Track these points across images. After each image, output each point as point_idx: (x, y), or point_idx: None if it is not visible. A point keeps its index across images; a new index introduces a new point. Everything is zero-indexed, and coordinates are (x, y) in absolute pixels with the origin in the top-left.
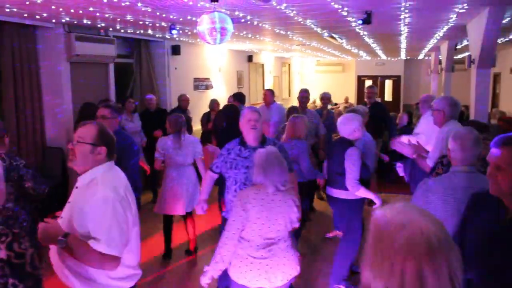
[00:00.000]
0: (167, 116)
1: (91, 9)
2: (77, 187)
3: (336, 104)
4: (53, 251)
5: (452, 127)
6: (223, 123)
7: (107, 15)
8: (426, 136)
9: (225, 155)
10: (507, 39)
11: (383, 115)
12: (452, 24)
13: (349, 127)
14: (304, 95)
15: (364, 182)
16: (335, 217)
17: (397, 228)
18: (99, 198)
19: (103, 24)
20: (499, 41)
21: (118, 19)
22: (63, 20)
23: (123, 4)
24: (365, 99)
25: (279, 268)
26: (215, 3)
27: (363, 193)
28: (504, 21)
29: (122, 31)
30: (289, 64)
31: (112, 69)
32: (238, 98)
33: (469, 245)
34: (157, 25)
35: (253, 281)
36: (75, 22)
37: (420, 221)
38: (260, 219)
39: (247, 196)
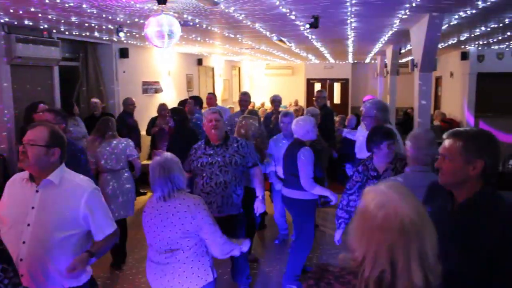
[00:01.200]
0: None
1: (32, 9)
2: (37, 191)
3: (286, 107)
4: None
5: None
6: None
7: (50, 16)
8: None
9: (193, 154)
10: (447, 44)
11: (329, 118)
12: (396, 29)
13: (302, 128)
14: (244, 98)
15: (318, 181)
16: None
17: (377, 207)
18: (91, 191)
19: (46, 26)
20: (439, 46)
21: (62, 21)
22: (2, 21)
23: (66, 5)
24: (314, 103)
25: (174, 277)
26: (163, 5)
27: (319, 191)
28: (443, 27)
29: (67, 33)
30: (239, 68)
31: (57, 72)
32: (198, 101)
33: None
34: (104, 27)
35: (154, 285)
36: (15, 22)
37: (398, 202)
38: (151, 227)
39: (147, 202)
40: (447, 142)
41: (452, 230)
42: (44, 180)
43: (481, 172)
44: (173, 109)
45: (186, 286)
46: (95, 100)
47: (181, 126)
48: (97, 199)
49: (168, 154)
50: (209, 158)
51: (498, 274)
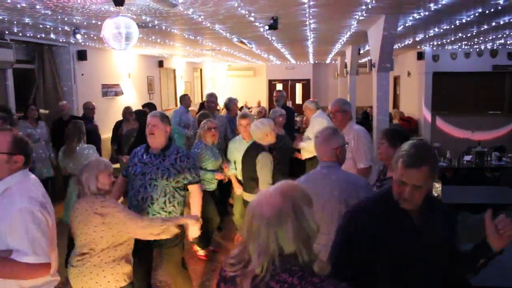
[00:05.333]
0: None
1: None
2: None
3: (249, 108)
4: None
5: (357, 127)
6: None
7: (1, 17)
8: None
9: (131, 158)
10: (403, 44)
11: (290, 118)
12: (354, 30)
13: (261, 131)
14: (211, 99)
15: None
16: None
17: (260, 206)
18: (18, 210)
19: None
20: (396, 46)
21: (15, 22)
22: None
23: (18, 5)
24: (274, 103)
25: (84, 279)
26: (120, 7)
27: None
28: (399, 28)
29: (21, 34)
30: (200, 69)
31: (11, 75)
32: (152, 106)
33: (383, 263)
34: (60, 29)
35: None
36: None
37: (273, 198)
38: (74, 225)
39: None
40: (419, 172)
41: (420, 239)
42: None
43: None
44: (138, 111)
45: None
46: (62, 102)
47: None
48: (22, 219)
49: (93, 157)
50: (143, 167)
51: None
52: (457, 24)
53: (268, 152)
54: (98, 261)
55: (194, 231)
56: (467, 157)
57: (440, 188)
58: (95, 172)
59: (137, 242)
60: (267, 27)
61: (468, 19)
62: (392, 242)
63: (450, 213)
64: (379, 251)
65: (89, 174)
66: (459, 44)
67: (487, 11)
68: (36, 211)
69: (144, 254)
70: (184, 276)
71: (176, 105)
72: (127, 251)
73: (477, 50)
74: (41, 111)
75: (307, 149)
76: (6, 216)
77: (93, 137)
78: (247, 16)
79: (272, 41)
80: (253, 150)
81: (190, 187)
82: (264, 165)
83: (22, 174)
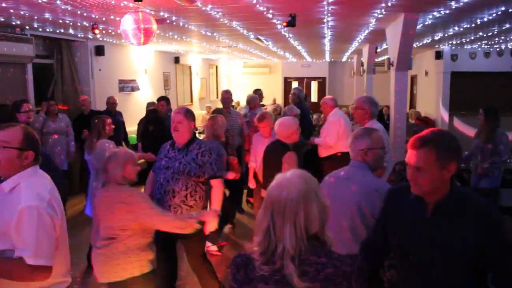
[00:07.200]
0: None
1: (3, 5)
2: None
3: (263, 105)
4: None
5: (378, 126)
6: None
7: (22, 12)
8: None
9: (159, 154)
10: (422, 43)
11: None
12: (372, 29)
13: (287, 130)
14: (226, 96)
15: None
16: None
17: (285, 188)
18: (24, 208)
19: (18, 22)
20: (415, 45)
21: (35, 17)
22: None
23: (40, 1)
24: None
25: (110, 264)
26: (139, 2)
27: None
28: (418, 27)
29: (41, 29)
30: (216, 66)
31: (30, 70)
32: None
33: (392, 240)
34: (79, 24)
35: (96, 270)
36: None
37: (296, 180)
38: (97, 214)
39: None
40: (419, 153)
41: (431, 236)
42: None
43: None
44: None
45: (104, 276)
46: (82, 97)
47: (159, 125)
48: (27, 217)
49: (118, 148)
50: (168, 162)
51: (499, 272)
52: (478, 22)
53: (294, 152)
54: (124, 248)
55: (212, 225)
56: None
57: None
58: (122, 162)
59: (159, 233)
60: (284, 24)
61: (490, 17)
62: (398, 229)
63: (484, 217)
64: (389, 233)
65: (116, 164)
66: (479, 43)
67: (510, 10)
68: (42, 211)
69: (168, 246)
70: (208, 268)
71: (192, 102)
72: (151, 238)
73: (497, 49)
74: None
75: (325, 147)
76: (13, 215)
77: (117, 131)
78: (265, 13)
79: (289, 38)
80: (278, 149)
81: (212, 181)
82: (291, 165)
83: (32, 171)
